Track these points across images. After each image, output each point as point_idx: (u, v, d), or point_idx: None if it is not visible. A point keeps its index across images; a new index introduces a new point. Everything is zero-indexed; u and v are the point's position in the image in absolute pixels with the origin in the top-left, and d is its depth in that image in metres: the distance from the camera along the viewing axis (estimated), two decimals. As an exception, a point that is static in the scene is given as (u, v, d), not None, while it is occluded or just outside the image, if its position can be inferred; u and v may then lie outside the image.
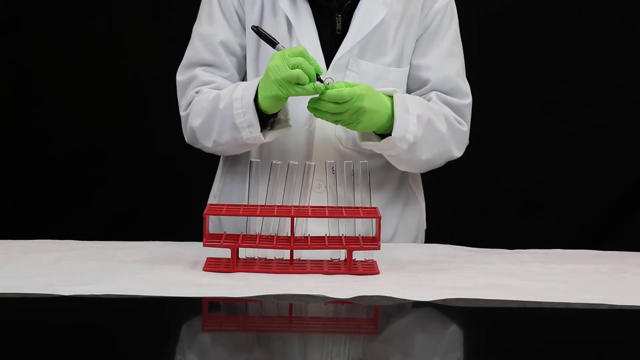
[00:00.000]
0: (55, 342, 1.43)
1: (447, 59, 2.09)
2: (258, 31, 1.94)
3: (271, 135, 1.98)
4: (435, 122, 2.02)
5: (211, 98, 2.01)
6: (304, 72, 1.83)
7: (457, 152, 2.10)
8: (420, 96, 2.08)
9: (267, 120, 1.98)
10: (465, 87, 2.11)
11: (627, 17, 3.06)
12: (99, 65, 3.04)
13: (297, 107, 2.01)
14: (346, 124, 1.92)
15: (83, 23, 3.02)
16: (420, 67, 2.09)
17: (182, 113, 2.09)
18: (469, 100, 2.11)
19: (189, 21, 2.14)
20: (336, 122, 1.91)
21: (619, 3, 3.05)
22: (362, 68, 2.04)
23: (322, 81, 1.85)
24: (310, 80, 1.85)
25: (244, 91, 1.95)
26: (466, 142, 2.12)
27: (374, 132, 1.98)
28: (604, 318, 1.61)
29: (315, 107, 1.88)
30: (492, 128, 3.09)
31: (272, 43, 1.92)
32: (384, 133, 1.98)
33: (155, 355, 1.40)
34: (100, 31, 3.02)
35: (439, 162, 2.09)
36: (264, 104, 1.92)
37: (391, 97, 1.97)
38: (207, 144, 2.04)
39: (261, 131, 1.96)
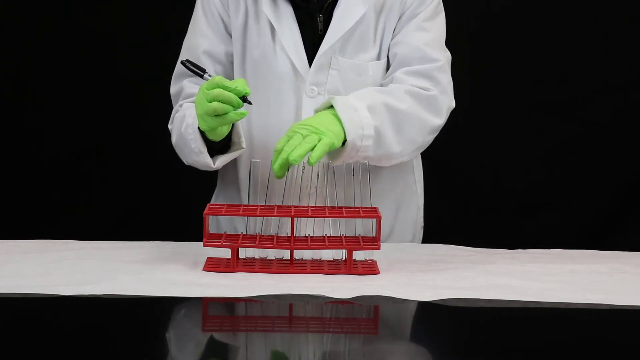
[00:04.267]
0: (55, 342, 1.43)
1: (415, 32, 2.05)
2: (186, 66, 1.94)
3: (220, 161, 1.99)
4: (393, 103, 1.97)
5: (180, 117, 2.03)
6: (223, 101, 1.82)
7: (437, 120, 2.02)
8: (388, 77, 2.05)
9: (224, 142, 1.98)
10: (435, 54, 2.04)
11: (627, 17, 3.06)
12: (99, 65, 3.04)
13: (282, 110, 2.04)
14: (329, 138, 1.84)
15: (83, 23, 3.03)
16: (392, 45, 2.07)
17: (169, 126, 2.11)
18: (439, 63, 2.03)
19: (187, 23, 2.14)
20: (323, 143, 1.83)
21: (619, 3, 3.05)
22: (342, 65, 2.04)
23: (249, 102, 1.84)
24: (235, 106, 1.82)
25: (194, 118, 1.96)
26: (445, 106, 2.04)
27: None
28: (604, 318, 1.61)
29: (285, 163, 1.81)
30: (492, 128, 3.09)
31: (200, 74, 1.92)
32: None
33: (155, 355, 1.40)
34: (100, 31, 3.02)
35: (421, 139, 2.02)
36: (207, 134, 1.93)
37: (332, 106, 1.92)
38: (183, 160, 2.07)
39: (217, 155, 1.98)
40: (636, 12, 3.06)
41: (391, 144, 1.97)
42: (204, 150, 1.96)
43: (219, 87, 1.82)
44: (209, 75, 1.89)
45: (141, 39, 3.02)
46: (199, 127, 1.93)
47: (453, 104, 2.07)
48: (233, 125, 1.96)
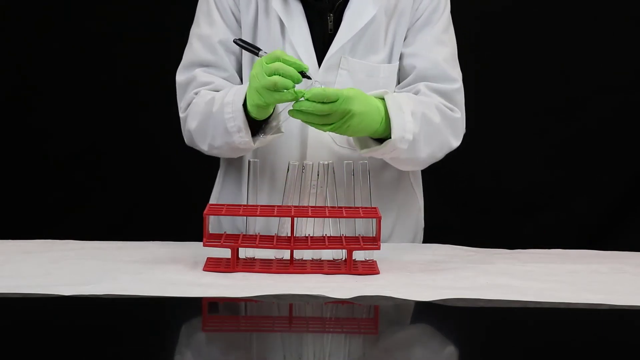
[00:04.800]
0: (55, 342, 1.43)
1: (434, 46, 2.07)
2: (240, 43, 1.93)
3: (261, 142, 1.98)
4: (429, 114, 2.00)
5: (207, 100, 2.01)
6: (284, 75, 1.81)
7: (455, 142, 2.07)
8: (408, 87, 2.07)
9: (260, 125, 1.97)
10: (454, 73, 2.07)
11: (627, 17, 3.06)
12: (99, 65, 3.04)
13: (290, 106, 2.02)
14: (335, 129, 1.86)
15: (83, 23, 3.02)
16: (407, 55, 2.07)
17: (181, 115, 2.09)
18: (458, 85, 2.07)
19: (188, 22, 2.14)
20: (324, 126, 1.85)
21: (619, 3, 3.05)
22: (353, 66, 2.04)
23: (308, 77, 1.83)
24: (295, 81, 1.81)
25: (235, 96, 1.95)
26: (462, 130, 2.09)
27: (370, 137, 1.96)
28: (604, 318, 1.61)
29: (299, 110, 1.82)
30: (492, 128, 3.09)
31: (255, 52, 1.91)
32: (379, 137, 1.96)
33: (155, 355, 1.40)
34: (100, 31, 3.02)
35: (440, 155, 2.06)
36: (252, 111, 1.92)
37: (382, 98, 1.95)
38: (203, 146, 2.05)
39: (254, 136, 1.96)
40: (636, 12, 3.06)
41: (420, 153, 2.00)
42: (245, 128, 1.94)
43: (280, 61, 1.82)
44: (265, 52, 1.88)
45: (141, 39, 3.02)
46: (243, 105, 1.91)
47: (464, 130, 2.10)
48: (274, 108, 1.94)
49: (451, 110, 2.05)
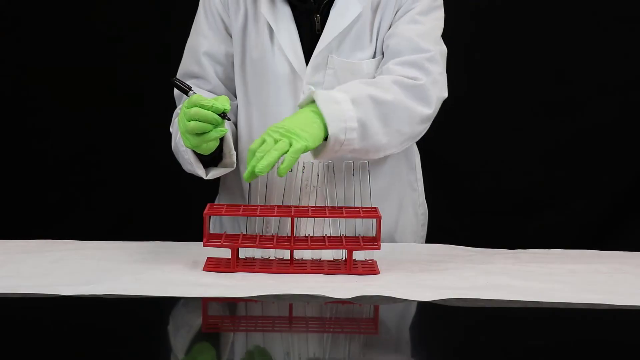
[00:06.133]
0: (55, 342, 1.43)
1: (408, 24, 2.04)
2: (174, 83, 1.93)
3: (212, 174, 1.99)
4: (378, 94, 1.93)
5: (177, 124, 1.99)
6: (201, 120, 1.82)
7: (426, 109, 1.99)
8: (380, 69, 2.04)
9: (216, 154, 1.97)
10: (426, 45, 2.02)
11: (627, 17, 3.06)
12: (99, 66, 3.04)
13: (280, 110, 2.03)
14: (301, 144, 1.80)
15: (83, 24, 3.02)
16: (385, 39, 2.05)
17: (170, 129, 2.10)
18: (429, 54, 2.01)
19: (188, 24, 2.14)
20: (293, 150, 1.79)
21: (619, 3, 3.05)
22: (338, 65, 2.03)
23: (228, 119, 1.84)
24: (214, 124, 1.82)
25: None
26: (433, 94, 2.00)
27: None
28: (604, 318, 1.61)
29: (250, 171, 1.79)
30: (492, 128, 3.09)
31: (185, 91, 1.90)
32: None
33: (154, 355, 1.40)
34: (99, 33, 3.03)
35: (410, 130, 1.98)
36: (195, 150, 1.93)
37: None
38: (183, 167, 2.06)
39: (210, 167, 1.98)
40: (636, 12, 3.06)
41: (377, 136, 1.94)
42: (195, 162, 1.96)
43: (197, 106, 1.82)
44: (193, 92, 1.88)
45: (141, 39, 3.02)
46: None
47: (445, 94, 2.03)
48: (223, 139, 1.94)
49: (414, 79, 1.99)
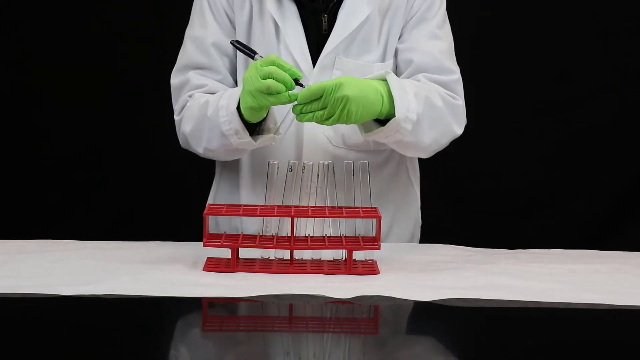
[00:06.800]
0: (55, 342, 1.43)
1: (430, 40, 2.06)
2: (237, 45, 1.94)
3: (261, 141, 1.98)
4: (432, 98, 1.99)
5: (201, 104, 2.01)
6: (277, 80, 1.82)
7: (458, 129, 2.06)
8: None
9: (255, 127, 1.97)
10: (452, 65, 2.07)
11: (627, 17, 3.06)
12: (99, 66, 3.04)
13: (285, 109, 2.02)
14: (337, 119, 1.85)
15: (82, 24, 3.02)
16: (403, 50, 2.07)
17: (175, 117, 2.09)
18: (456, 76, 2.07)
19: (186, 23, 2.14)
20: (328, 120, 1.85)
21: (619, 3, 3.05)
22: (347, 66, 2.04)
23: (302, 85, 1.84)
24: (288, 87, 1.83)
25: (229, 99, 1.95)
26: (464, 118, 2.07)
27: (373, 121, 1.95)
28: (604, 318, 1.61)
29: (299, 113, 1.85)
30: (492, 128, 3.09)
31: (251, 54, 1.92)
32: (383, 120, 1.94)
33: (154, 355, 1.40)
34: (99, 33, 3.02)
35: (443, 142, 2.04)
36: (245, 114, 1.92)
37: (384, 80, 1.93)
38: (198, 149, 2.05)
39: (252, 136, 1.96)
40: (636, 12, 3.06)
41: (424, 136, 1.98)
42: (242, 129, 1.94)
43: (275, 65, 1.83)
44: (260, 56, 1.89)
45: (141, 39, 3.02)
46: (237, 108, 1.92)
47: (466, 121, 2.09)
48: (269, 111, 1.95)
49: (452, 97, 2.04)
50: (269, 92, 1.83)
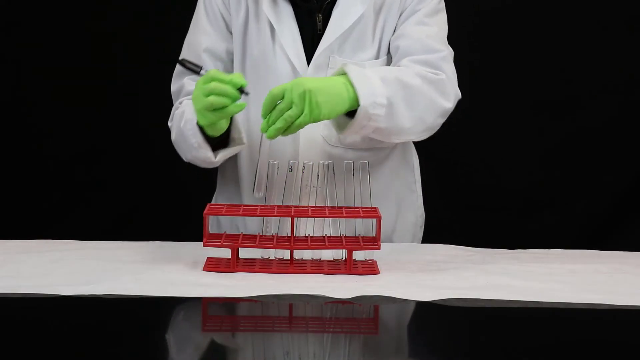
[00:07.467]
0: (55, 342, 1.43)
1: (416, 26, 2.05)
2: (182, 64, 1.95)
3: (222, 155, 1.98)
4: (405, 78, 1.95)
5: (180, 114, 2.03)
6: (220, 94, 1.82)
7: (447, 103, 2.00)
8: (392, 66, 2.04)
9: (223, 138, 1.97)
10: (438, 45, 2.04)
11: (627, 17, 3.06)
12: (98, 66, 3.04)
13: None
14: (312, 114, 1.83)
15: (82, 25, 3.03)
16: (393, 40, 2.06)
17: (169, 124, 2.10)
18: (443, 54, 2.03)
19: (187, 23, 2.14)
20: (300, 118, 1.83)
21: (619, 3, 3.05)
22: (340, 65, 2.03)
23: (246, 93, 1.83)
24: (233, 99, 1.82)
25: (192, 113, 1.95)
26: (453, 90, 2.02)
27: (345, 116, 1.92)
28: (604, 318, 1.61)
29: (266, 126, 1.83)
30: (492, 128, 3.09)
31: (197, 70, 1.92)
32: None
33: (154, 355, 1.40)
34: (99, 33, 3.03)
35: (430, 119, 1.99)
36: (206, 130, 1.93)
37: (345, 74, 1.91)
38: (183, 157, 2.07)
39: (217, 150, 1.97)
40: (636, 12, 3.06)
41: (403, 118, 1.95)
42: (204, 144, 1.95)
43: (215, 81, 1.83)
44: (205, 72, 1.90)
45: (141, 39, 3.02)
46: (197, 122, 1.93)
47: (459, 94, 2.05)
48: (232, 121, 1.95)
49: (434, 73, 2.00)
50: (214, 109, 1.84)
